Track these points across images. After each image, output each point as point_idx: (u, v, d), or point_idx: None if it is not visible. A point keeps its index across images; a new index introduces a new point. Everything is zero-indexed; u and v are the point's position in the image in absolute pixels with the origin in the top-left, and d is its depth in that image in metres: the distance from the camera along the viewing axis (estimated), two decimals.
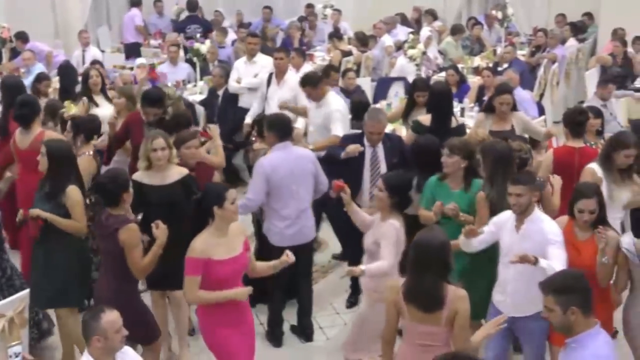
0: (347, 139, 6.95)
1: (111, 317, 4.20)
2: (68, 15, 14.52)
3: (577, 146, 6.59)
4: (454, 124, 7.46)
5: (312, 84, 7.90)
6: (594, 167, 5.99)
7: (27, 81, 10.23)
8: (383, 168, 6.66)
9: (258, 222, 6.86)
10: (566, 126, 6.86)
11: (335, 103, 7.80)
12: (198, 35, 12.99)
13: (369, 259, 5.38)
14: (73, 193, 5.64)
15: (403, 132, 8.07)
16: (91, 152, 6.61)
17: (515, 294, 5.01)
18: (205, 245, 4.87)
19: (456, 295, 4.27)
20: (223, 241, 4.92)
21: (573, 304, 3.85)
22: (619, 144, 5.95)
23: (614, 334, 6.18)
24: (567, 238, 4.95)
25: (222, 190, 4.92)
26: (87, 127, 6.76)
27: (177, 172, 5.87)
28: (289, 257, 5.11)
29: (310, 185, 6.38)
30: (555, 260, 4.77)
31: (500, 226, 5.15)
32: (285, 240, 6.18)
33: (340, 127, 7.66)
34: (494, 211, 5.40)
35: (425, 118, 7.45)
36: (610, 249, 4.95)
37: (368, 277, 5.30)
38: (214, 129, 7.18)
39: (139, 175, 5.86)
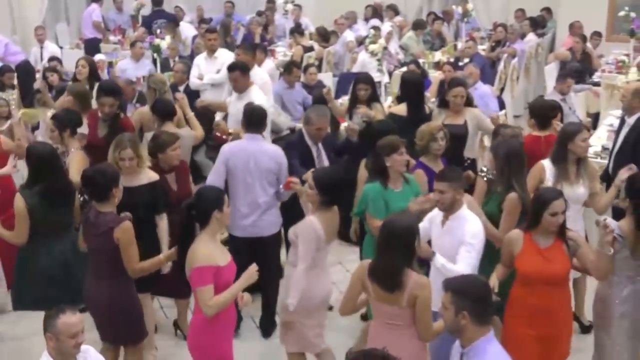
0: (292, 145, 6.74)
1: (69, 320, 4.05)
2: (25, 11, 14.34)
3: (543, 135, 6.75)
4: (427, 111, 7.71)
5: (241, 69, 7.73)
6: (545, 163, 5.93)
7: None
8: (325, 163, 6.70)
9: None
10: (534, 117, 6.97)
11: (258, 98, 7.48)
12: (158, 32, 12.85)
13: (292, 248, 5.38)
14: (15, 200, 5.55)
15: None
16: (80, 146, 6.58)
17: (434, 290, 4.91)
18: (208, 251, 4.57)
19: (417, 282, 4.31)
20: (218, 246, 4.79)
21: (466, 309, 3.71)
22: (571, 132, 5.85)
23: (586, 328, 6.24)
24: (530, 250, 4.77)
25: (220, 193, 4.80)
26: (71, 121, 6.62)
27: (146, 177, 5.79)
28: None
29: (268, 182, 6.27)
30: (461, 262, 4.81)
31: (432, 221, 5.18)
32: (238, 230, 6.28)
33: None
34: (525, 209, 5.37)
35: (398, 109, 7.70)
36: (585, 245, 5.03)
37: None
38: (183, 100, 7.55)
39: None
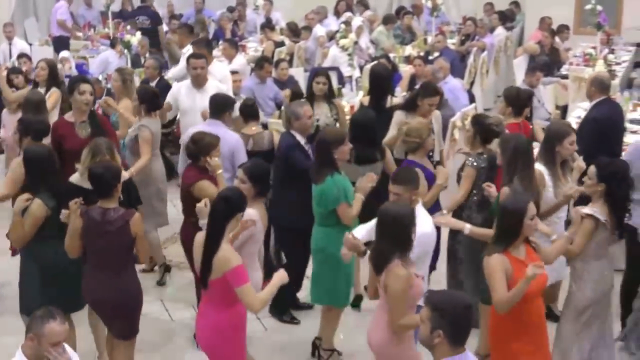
0: (292, 147, 6.53)
1: (56, 329, 3.98)
2: None
3: (519, 121, 6.99)
4: (389, 104, 7.68)
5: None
6: (540, 168, 5.79)
7: None
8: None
9: None
10: (511, 105, 7.11)
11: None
12: (129, 29, 12.79)
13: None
14: (35, 207, 5.43)
15: None
16: None
17: None
18: (233, 251, 4.64)
19: (392, 271, 4.35)
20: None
21: (442, 328, 3.54)
22: (560, 134, 5.81)
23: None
24: (520, 267, 4.51)
25: (243, 197, 4.84)
26: (36, 128, 6.43)
27: None
28: None
29: (224, 165, 6.27)
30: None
31: None
32: None
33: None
34: None
35: (366, 100, 7.86)
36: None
37: None
38: (109, 100, 7.76)
39: (78, 179, 5.70)
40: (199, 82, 7.65)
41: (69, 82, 7.13)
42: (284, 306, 6.65)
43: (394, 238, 4.40)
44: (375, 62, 10.66)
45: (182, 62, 9.22)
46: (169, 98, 7.86)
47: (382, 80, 7.86)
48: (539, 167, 5.75)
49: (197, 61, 7.69)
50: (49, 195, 5.40)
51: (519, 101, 7.19)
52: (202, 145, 5.91)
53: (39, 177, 5.48)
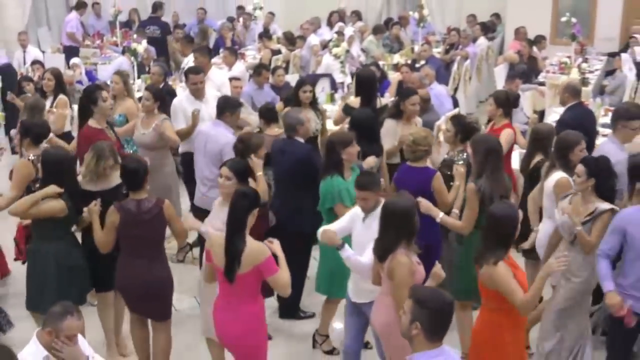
0: (310, 150, 6.60)
1: (74, 324, 4.01)
2: (8, 17, 14.13)
3: (508, 121, 7.17)
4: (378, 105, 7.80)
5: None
6: (565, 176, 5.60)
7: None
8: None
9: None
10: (501, 107, 7.19)
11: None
12: (136, 38, 12.75)
13: None
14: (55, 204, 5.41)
15: None
16: (32, 157, 6.21)
17: (357, 282, 5.02)
18: (260, 242, 4.65)
19: (398, 259, 4.39)
20: None
21: (420, 320, 3.49)
22: (571, 142, 5.70)
23: None
24: (521, 272, 4.49)
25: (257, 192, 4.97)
26: (36, 131, 6.40)
27: (115, 178, 5.58)
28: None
29: (213, 163, 6.45)
30: (367, 255, 4.74)
31: (354, 218, 5.07)
32: (197, 200, 6.84)
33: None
34: (483, 200, 5.32)
35: (353, 101, 7.89)
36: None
37: None
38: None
39: (83, 183, 5.59)
40: (198, 95, 7.58)
41: (89, 92, 6.85)
42: (294, 309, 6.62)
43: (400, 229, 4.43)
44: (363, 67, 10.67)
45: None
46: (176, 116, 7.54)
47: (367, 83, 7.94)
48: (562, 174, 5.60)
49: (196, 77, 7.60)
50: (67, 196, 5.35)
51: (508, 103, 7.30)
52: (249, 145, 5.93)
53: (59, 178, 5.38)
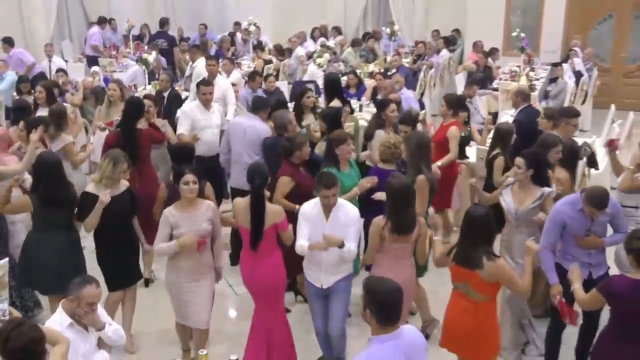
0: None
1: (92, 291, 3.99)
2: (35, 31, 14.00)
3: (457, 120, 7.29)
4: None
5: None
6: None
7: (4, 84, 9.92)
8: None
9: None
10: (451, 108, 7.34)
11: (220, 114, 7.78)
12: (146, 49, 12.71)
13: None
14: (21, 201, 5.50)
15: None
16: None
17: (329, 269, 4.91)
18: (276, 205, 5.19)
19: (421, 223, 4.79)
20: None
21: (370, 308, 3.36)
22: (549, 144, 5.72)
23: None
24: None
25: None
26: (39, 126, 6.24)
27: (123, 184, 5.40)
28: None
29: (253, 150, 6.72)
30: (351, 241, 4.78)
31: (308, 217, 4.86)
32: (234, 182, 6.89)
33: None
34: (432, 188, 5.56)
35: (334, 103, 8.05)
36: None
37: None
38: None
39: (94, 189, 5.25)
40: (207, 105, 7.41)
41: (136, 103, 6.76)
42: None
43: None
44: (345, 78, 10.66)
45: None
46: (183, 121, 7.35)
47: (331, 84, 8.41)
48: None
49: (207, 88, 7.41)
50: (37, 197, 5.27)
51: (457, 105, 7.43)
52: (295, 143, 5.96)
53: (35, 180, 5.38)
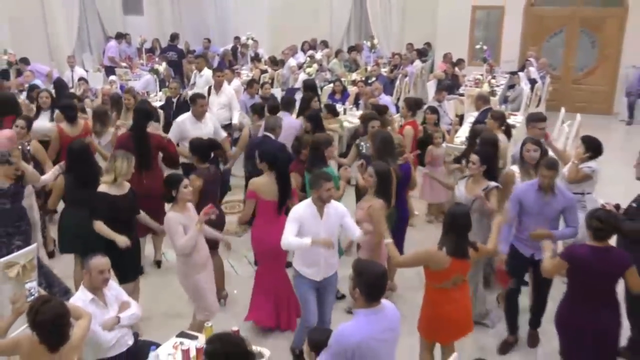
0: (283, 147, 6.48)
1: (99, 261, 4.05)
2: (59, 44, 13.93)
3: (415, 119, 7.54)
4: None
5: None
6: (514, 169, 5.54)
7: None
8: None
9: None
10: (410, 110, 7.62)
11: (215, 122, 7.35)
12: (157, 60, 12.64)
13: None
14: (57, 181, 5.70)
15: None
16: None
17: (328, 263, 4.75)
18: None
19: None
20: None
21: (359, 287, 3.38)
22: (524, 142, 5.64)
23: None
24: None
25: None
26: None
27: (126, 185, 5.18)
28: None
29: (287, 140, 6.83)
30: (355, 230, 4.67)
31: (302, 218, 4.57)
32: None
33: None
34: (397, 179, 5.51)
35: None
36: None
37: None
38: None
39: (106, 188, 5.04)
40: (202, 116, 7.03)
41: (144, 109, 6.58)
42: None
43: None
44: (331, 85, 10.67)
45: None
46: (174, 130, 7.01)
47: (309, 88, 8.83)
48: (513, 168, 5.60)
49: (204, 100, 7.13)
50: (72, 177, 5.50)
51: (414, 107, 7.71)
52: (303, 143, 6.10)
53: (81, 164, 5.46)
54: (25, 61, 11.63)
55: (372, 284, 3.37)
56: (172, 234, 4.62)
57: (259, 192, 5.20)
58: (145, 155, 6.11)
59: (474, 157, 5.19)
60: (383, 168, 5.03)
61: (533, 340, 5.25)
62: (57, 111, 7.41)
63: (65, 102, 7.32)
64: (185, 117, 7.11)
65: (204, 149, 5.74)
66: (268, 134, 6.54)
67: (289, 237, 4.50)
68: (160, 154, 6.57)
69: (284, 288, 5.33)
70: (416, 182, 5.93)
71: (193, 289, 4.80)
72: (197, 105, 7.01)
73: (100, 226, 4.98)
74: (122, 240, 4.93)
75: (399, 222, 5.70)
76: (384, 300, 3.47)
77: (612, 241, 4.19)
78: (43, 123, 7.39)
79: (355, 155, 6.58)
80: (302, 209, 4.59)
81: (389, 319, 3.44)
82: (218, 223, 5.33)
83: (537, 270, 4.70)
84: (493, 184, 5.18)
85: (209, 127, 7.05)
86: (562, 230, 4.88)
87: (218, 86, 8.71)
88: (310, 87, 9.11)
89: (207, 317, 4.76)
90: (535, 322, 5.24)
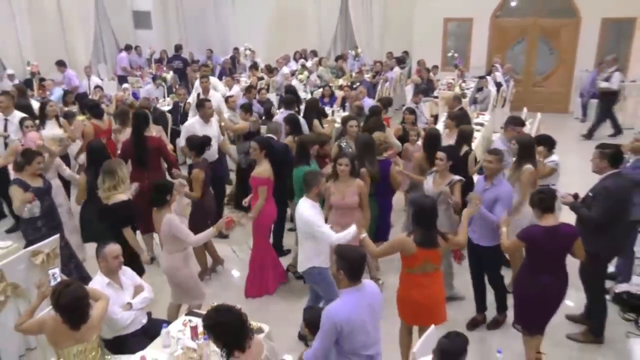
0: (286, 147, 6.32)
1: (111, 248, 4.01)
2: (76, 55, 13.79)
3: (388, 116, 7.86)
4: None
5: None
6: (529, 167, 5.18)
7: (54, 97, 9.75)
8: None
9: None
10: (384, 107, 7.91)
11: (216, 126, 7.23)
12: (165, 69, 12.53)
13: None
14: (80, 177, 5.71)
15: None
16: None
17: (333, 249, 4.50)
18: None
19: (359, 184, 5.00)
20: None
21: (343, 269, 3.37)
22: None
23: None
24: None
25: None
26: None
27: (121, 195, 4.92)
28: None
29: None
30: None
31: (314, 210, 4.47)
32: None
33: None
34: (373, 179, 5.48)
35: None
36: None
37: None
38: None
39: (124, 197, 4.87)
40: (209, 118, 6.87)
41: (142, 115, 6.41)
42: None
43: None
44: (320, 90, 10.63)
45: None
46: (184, 134, 6.70)
47: (293, 94, 8.64)
48: (529, 167, 5.20)
49: (210, 103, 6.98)
50: (93, 173, 5.50)
51: (387, 104, 8.11)
52: (324, 140, 6.29)
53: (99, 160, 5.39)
54: (61, 64, 11.63)
55: (352, 265, 3.37)
56: (179, 232, 4.45)
57: (270, 176, 5.44)
58: (143, 156, 6.09)
59: (440, 154, 5.15)
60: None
61: (494, 323, 5.03)
62: (62, 118, 7.42)
63: (88, 101, 7.47)
64: (193, 121, 6.95)
65: (200, 145, 5.78)
66: (271, 135, 6.51)
67: (332, 236, 4.32)
68: None
69: (272, 255, 5.76)
70: (399, 182, 5.72)
71: (187, 280, 4.61)
72: (205, 108, 6.86)
73: (130, 234, 4.80)
74: (146, 259, 4.82)
75: (381, 212, 5.62)
76: (364, 279, 3.48)
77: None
78: (52, 130, 7.14)
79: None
80: (314, 209, 4.43)
81: (370, 294, 3.44)
82: (210, 210, 5.81)
83: (479, 255, 4.83)
84: (457, 177, 5.14)
85: (214, 129, 6.97)
86: (487, 213, 4.57)
87: (206, 92, 8.51)
88: (291, 91, 9.04)
89: (200, 302, 4.65)
90: (484, 308, 5.05)
